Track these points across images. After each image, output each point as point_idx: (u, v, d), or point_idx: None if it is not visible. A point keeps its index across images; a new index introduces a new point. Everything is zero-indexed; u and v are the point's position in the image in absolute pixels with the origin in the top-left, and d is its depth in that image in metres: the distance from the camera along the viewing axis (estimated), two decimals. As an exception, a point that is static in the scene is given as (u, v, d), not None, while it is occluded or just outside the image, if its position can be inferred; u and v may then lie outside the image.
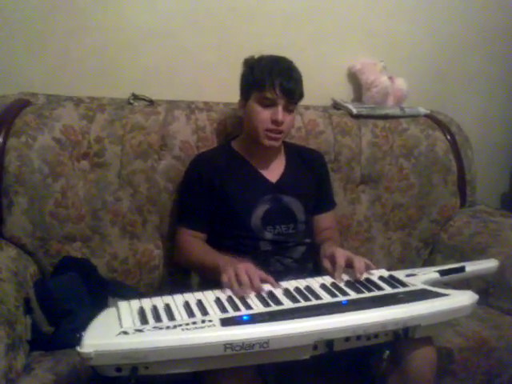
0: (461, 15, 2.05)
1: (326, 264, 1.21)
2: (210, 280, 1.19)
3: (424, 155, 1.82)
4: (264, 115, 1.32)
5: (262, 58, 1.37)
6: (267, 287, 1.08)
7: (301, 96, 1.37)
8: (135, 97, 1.57)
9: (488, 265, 1.31)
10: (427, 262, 1.81)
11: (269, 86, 1.30)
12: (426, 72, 2.04)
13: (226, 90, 1.56)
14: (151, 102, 1.58)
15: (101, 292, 1.29)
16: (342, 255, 1.18)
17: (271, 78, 1.30)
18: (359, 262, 1.16)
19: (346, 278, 1.15)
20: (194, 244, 1.36)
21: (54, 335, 1.19)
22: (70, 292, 1.25)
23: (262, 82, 1.31)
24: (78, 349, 0.83)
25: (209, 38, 1.72)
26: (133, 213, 1.50)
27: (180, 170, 1.50)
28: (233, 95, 1.44)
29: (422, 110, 1.89)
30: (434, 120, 1.89)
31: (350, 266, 1.17)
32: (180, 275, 1.54)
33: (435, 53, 2.05)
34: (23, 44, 1.55)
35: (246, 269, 1.09)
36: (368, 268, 1.17)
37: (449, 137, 1.87)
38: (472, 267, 1.27)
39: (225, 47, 1.74)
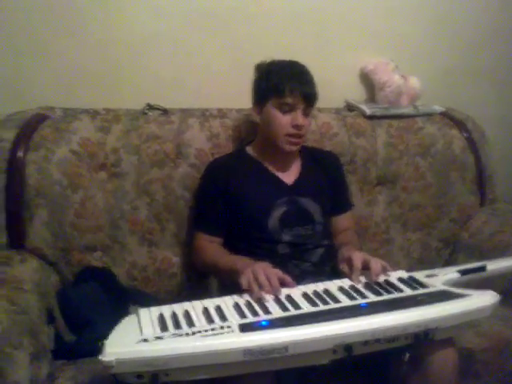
0: (471, 11, 2.02)
1: (344, 268, 1.20)
2: (229, 284, 1.19)
3: (441, 154, 1.80)
4: (284, 120, 1.33)
5: (274, 64, 1.38)
6: (285, 290, 1.08)
7: (317, 99, 1.37)
8: (150, 107, 1.59)
9: (510, 263, 1.29)
10: (448, 263, 1.78)
11: (289, 92, 1.30)
12: (438, 70, 2.01)
13: (238, 96, 1.56)
14: (165, 111, 1.59)
15: (121, 300, 1.31)
16: (358, 257, 1.17)
17: (289, 83, 1.31)
18: (376, 263, 1.15)
19: (363, 280, 1.14)
20: (210, 248, 1.37)
21: (76, 344, 1.21)
22: (91, 302, 1.27)
23: (281, 87, 1.31)
24: (100, 357, 0.84)
25: (218, 43, 1.72)
26: (151, 221, 1.52)
27: (196, 177, 1.51)
28: (245, 101, 1.45)
29: (438, 108, 1.87)
30: (449, 117, 1.87)
31: (367, 268, 1.16)
32: (199, 281, 1.55)
33: (446, 50, 2.02)
34: (35, 60, 1.57)
35: (264, 270, 1.09)
36: (384, 270, 1.16)
37: (465, 134, 1.84)
38: (493, 266, 1.24)
39: (234, 52, 1.73)
